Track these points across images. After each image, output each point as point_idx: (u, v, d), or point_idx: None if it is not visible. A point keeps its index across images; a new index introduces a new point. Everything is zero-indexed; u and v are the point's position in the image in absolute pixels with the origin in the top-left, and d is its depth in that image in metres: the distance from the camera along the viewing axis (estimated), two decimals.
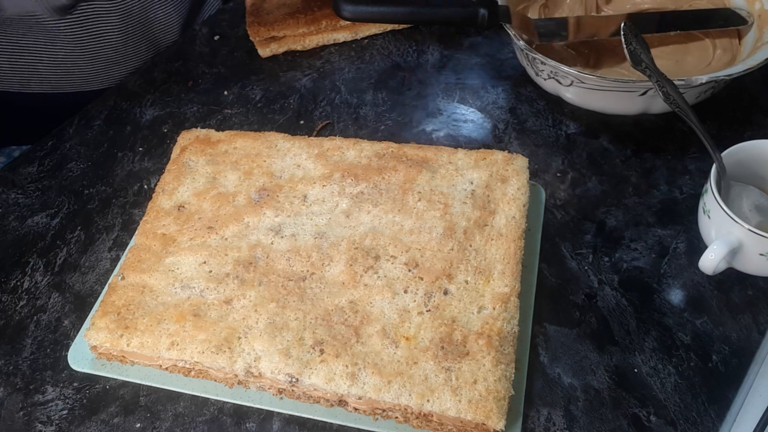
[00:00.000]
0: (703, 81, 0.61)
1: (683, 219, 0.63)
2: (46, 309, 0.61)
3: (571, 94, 0.69)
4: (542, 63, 0.67)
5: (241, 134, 0.66)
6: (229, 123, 0.78)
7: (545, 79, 0.70)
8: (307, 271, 0.54)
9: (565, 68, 0.64)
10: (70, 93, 0.85)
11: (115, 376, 0.54)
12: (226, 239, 0.57)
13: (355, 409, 0.50)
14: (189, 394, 0.54)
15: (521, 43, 0.67)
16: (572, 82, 0.66)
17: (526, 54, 0.69)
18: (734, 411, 0.50)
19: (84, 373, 0.55)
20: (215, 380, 0.53)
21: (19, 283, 0.63)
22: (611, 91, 0.65)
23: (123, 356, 0.54)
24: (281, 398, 0.52)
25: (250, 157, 0.64)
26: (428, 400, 0.46)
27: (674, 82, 0.59)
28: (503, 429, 0.46)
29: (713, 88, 0.66)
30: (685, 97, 0.61)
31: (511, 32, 0.68)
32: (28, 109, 0.84)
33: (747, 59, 0.64)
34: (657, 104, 0.65)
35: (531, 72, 0.72)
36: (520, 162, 0.61)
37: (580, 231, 0.63)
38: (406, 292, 0.52)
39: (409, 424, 0.49)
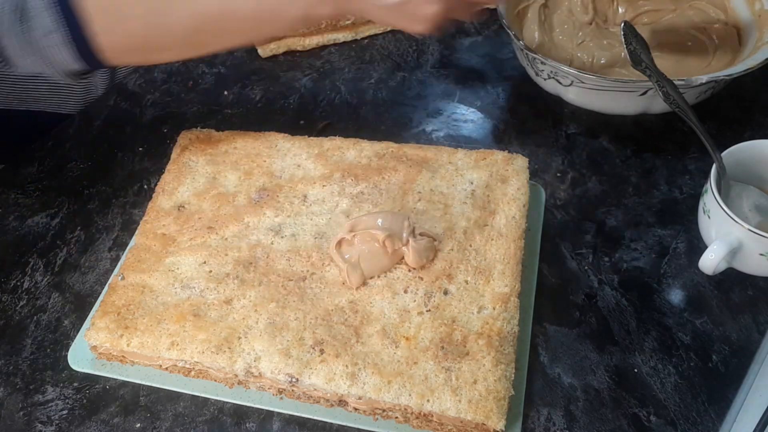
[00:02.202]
0: (703, 81, 0.61)
1: (683, 219, 0.63)
2: (46, 309, 0.61)
3: (571, 94, 0.69)
4: (542, 63, 0.67)
5: (241, 134, 0.66)
6: (229, 123, 0.78)
7: (545, 79, 0.70)
8: (307, 271, 0.54)
9: (566, 68, 0.64)
10: (46, 113, 0.84)
11: (115, 376, 0.54)
12: (226, 239, 0.57)
13: (355, 409, 0.50)
14: (189, 394, 0.54)
15: (521, 43, 0.67)
16: (572, 82, 0.66)
17: (526, 54, 0.69)
18: (734, 411, 0.50)
19: (84, 373, 0.55)
20: (215, 380, 0.53)
21: (19, 283, 0.63)
22: (611, 91, 0.65)
23: (123, 356, 0.54)
24: (281, 398, 0.52)
25: (250, 157, 0.64)
26: (428, 400, 0.46)
27: (674, 82, 0.59)
28: (503, 429, 0.46)
29: (713, 88, 0.66)
30: (685, 97, 0.61)
31: (511, 33, 0.68)
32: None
33: (747, 59, 0.64)
34: (657, 104, 0.65)
35: (531, 72, 0.72)
36: (520, 162, 0.61)
37: (580, 231, 0.63)
38: (406, 292, 0.52)
39: (409, 424, 0.49)
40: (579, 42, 0.74)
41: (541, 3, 0.78)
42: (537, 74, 0.71)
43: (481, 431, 0.47)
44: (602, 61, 0.73)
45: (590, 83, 0.65)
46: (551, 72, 0.67)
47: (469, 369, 0.47)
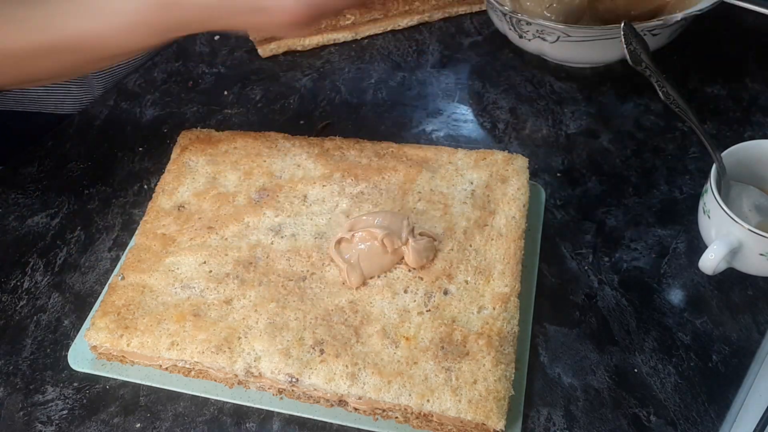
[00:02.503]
0: (678, 18, 0.65)
1: (683, 219, 0.63)
2: (46, 309, 0.61)
3: (556, 50, 0.72)
4: (527, 24, 0.69)
5: (241, 134, 0.66)
6: (229, 123, 0.78)
7: (529, 40, 0.72)
8: (307, 271, 0.54)
9: (552, 24, 0.67)
10: (46, 113, 0.84)
11: (115, 376, 0.54)
12: (226, 239, 0.57)
13: (355, 409, 0.50)
14: (189, 394, 0.54)
15: (506, 8, 0.70)
16: (558, 37, 0.69)
17: (510, 18, 0.71)
18: (734, 411, 0.50)
19: (84, 373, 0.55)
20: (215, 380, 0.53)
21: (19, 283, 0.63)
22: (597, 40, 0.68)
23: (123, 356, 0.54)
24: (281, 398, 0.52)
25: (250, 157, 0.64)
26: (428, 400, 0.46)
27: (652, 22, 0.63)
28: (503, 429, 0.46)
29: (682, 26, 0.69)
30: (659, 38, 0.65)
31: (494, 1, 0.71)
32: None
33: None
34: None
35: (513, 36, 0.74)
36: (520, 162, 0.61)
37: (580, 231, 0.63)
38: (406, 292, 0.52)
39: (409, 424, 0.49)
40: (547, 5, 0.77)
41: None
42: (521, 36, 0.73)
43: (481, 431, 0.47)
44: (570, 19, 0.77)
45: (577, 35, 0.68)
46: (537, 31, 0.70)
47: (469, 369, 0.47)
